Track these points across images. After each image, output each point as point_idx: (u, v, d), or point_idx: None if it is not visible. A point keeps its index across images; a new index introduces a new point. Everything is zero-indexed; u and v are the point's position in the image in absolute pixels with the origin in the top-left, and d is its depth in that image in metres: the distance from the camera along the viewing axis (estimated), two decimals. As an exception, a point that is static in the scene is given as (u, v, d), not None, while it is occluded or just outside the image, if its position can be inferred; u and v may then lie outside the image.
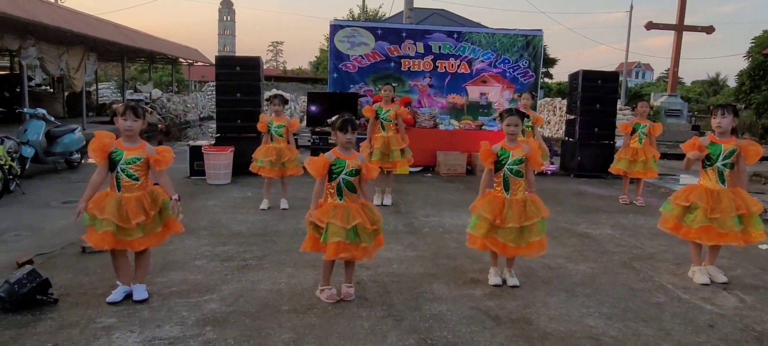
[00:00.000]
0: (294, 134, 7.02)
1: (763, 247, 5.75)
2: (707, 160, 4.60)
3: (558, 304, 4.06)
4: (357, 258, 3.90)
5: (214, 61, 10.74)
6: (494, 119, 11.47)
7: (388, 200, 7.35)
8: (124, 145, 3.76)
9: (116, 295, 3.79)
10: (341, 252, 3.76)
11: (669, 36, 23.02)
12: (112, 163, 3.73)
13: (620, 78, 35.37)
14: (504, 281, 4.39)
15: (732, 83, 38.21)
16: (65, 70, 15.28)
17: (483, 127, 11.55)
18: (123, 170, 3.72)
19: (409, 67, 11.60)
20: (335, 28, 11.50)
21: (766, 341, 3.54)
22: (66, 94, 22.51)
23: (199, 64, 28.76)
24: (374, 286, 4.28)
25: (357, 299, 3.98)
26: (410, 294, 4.14)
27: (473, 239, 4.35)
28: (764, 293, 4.46)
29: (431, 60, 11.63)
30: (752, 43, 25.20)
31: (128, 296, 3.83)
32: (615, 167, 8.20)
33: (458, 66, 11.72)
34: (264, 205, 6.94)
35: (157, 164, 3.79)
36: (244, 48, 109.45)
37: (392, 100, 7.40)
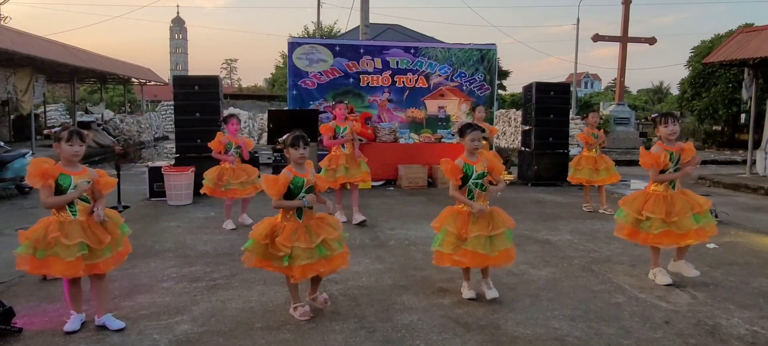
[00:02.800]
0: (253, 153, 7.03)
1: (711, 246, 6.08)
2: (664, 168, 4.77)
3: (523, 308, 4.21)
4: (334, 269, 3.97)
5: (167, 81, 10.70)
6: (452, 135, 11.70)
7: (360, 217, 7.27)
8: (67, 169, 3.66)
9: (74, 324, 3.69)
10: (309, 273, 3.80)
11: (615, 47, 24.02)
12: (59, 190, 3.61)
13: (571, 88, 36.67)
14: (478, 296, 4.36)
15: (675, 91, 40.02)
16: (12, 93, 14.77)
17: (442, 140, 11.77)
18: None
19: (367, 83, 11.74)
20: (293, 45, 11.55)
21: (717, 334, 3.77)
22: (12, 117, 21.68)
23: (152, 83, 28.17)
24: (345, 299, 4.34)
25: (329, 313, 4.02)
26: (381, 306, 4.22)
27: (441, 256, 4.29)
28: (714, 289, 4.73)
29: (389, 75, 11.81)
30: (692, 52, 26.50)
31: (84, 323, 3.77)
32: (575, 177, 8.22)
33: (416, 81, 11.94)
34: (228, 225, 6.90)
35: (105, 188, 3.78)
36: (197, 66, 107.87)
37: (345, 118, 7.46)
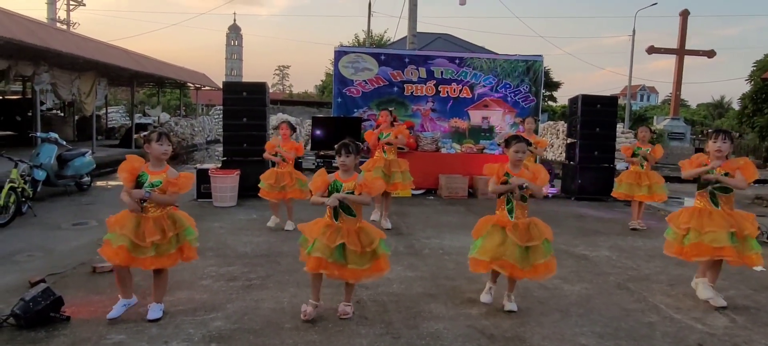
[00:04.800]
0: (299, 158, 7.23)
1: (759, 269, 5.83)
2: (702, 184, 4.70)
3: (552, 323, 4.18)
4: (344, 278, 4.03)
5: (221, 86, 10.99)
6: (498, 145, 11.64)
7: (387, 224, 7.45)
8: (150, 169, 4.01)
9: (116, 310, 3.95)
10: (321, 268, 3.92)
11: (674, 59, 23.20)
12: (138, 186, 3.97)
13: (624, 101, 35.62)
14: (502, 306, 4.39)
15: (737, 106, 38.31)
16: (77, 95, 15.60)
17: (484, 151, 11.72)
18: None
19: (412, 92, 11.84)
20: (340, 54, 11.79)
21: (752, 359, 3.65)
22: (76, 118, 22.90)
23: (207, 88, 29.11)
24: (374, 305, 4.42)
25: (357, 317, 4.12)
26: (408, 313, 4.28)
27: (477, 262, 4.32)
28: (755, 313, 4.56)
29: (434, 85, 11.87)
30: (754, 66, 25.33)
31: (130, 308, 4.04)
32: (617, 192, 8.12)
33: (460, 91, 11.95)
34: (271, 222, 7.17)
35: (167, 186, 3.99)
36: (251, 72, 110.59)
37: (392, 124, 7.63)
